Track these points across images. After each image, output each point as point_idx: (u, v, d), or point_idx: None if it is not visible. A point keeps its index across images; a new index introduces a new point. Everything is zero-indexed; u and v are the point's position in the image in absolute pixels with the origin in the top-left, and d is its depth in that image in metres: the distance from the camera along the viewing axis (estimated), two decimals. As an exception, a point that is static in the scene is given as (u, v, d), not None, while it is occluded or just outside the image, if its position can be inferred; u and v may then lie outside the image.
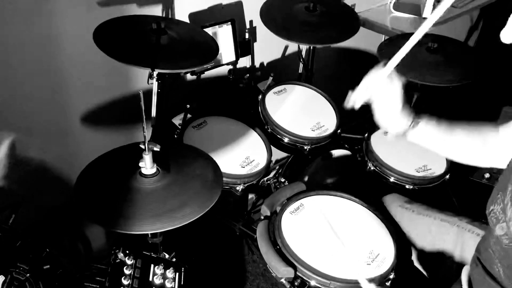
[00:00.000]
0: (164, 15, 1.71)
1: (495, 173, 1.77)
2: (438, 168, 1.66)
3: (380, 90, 1.02)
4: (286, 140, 1.67)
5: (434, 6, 2.31)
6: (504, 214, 0.89)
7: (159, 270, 1.19)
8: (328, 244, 1.28)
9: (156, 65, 1.30)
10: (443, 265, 1.27)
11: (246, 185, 1.53)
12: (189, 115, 1.68)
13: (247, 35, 1.94)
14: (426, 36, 2.03)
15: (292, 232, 1.29)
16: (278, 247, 1.25)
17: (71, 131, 1.67)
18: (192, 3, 1.79)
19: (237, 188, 1.52)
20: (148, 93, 1.40)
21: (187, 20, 1.78)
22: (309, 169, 1.78)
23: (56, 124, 1.61)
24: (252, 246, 2.08)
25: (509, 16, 0.86)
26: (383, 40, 2.23)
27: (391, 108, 1.03)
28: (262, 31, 1.95)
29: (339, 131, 1.75)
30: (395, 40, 1.99)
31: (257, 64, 2.16)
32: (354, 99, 1.03)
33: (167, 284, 1.17)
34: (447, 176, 1.64)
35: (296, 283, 1.22)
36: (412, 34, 0.93)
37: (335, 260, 1.23)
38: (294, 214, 1.36)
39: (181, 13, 1.76)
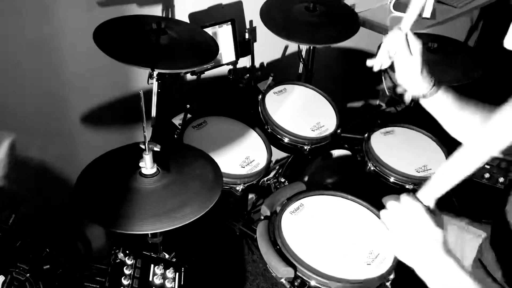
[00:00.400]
0: (164, 15, 1.71)
1: (495, 173, 1.77)
2: (438, 168, 1.65)
3: (400, 51, 1.02)
4: (286, 140, 1.67)
5: (434, 6, 2.31)
6: None
7: (159, 270, 1.19)
8: (328, 244, 1.28)
9: (156, 65, 1.30)
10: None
11: (246, 185, 1.53)
12: (189, 115, 1.68)
13: (247, 35, 1.94)
14: (426, 36, 2.02)
15: (292, 232, 1.29)
16: (278, 247, 1.25)
17: (71, 131, 1.67)
18: (192, 3, 1.79)
19: (237, 188, 1.52)
20: (148, 93, 1.40)
21: (187, 20, 1.78)
22: (309, 169, 1.78)
23: (56, 124, 1.61)
24: (252, 246, 2.08)
25: (511, 22, 0.86)
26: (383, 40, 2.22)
27: (411, 68, 1.02)
28: (262, 31, 1.94)
29: (339, 131, 1.75)
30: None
31: (257, 64, 2.15)
32: (377, 61, 1.05)
33: (167, 284, 1.17)
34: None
35: (296, 283, 1.22)
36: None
37: (335, 260, 1.23)
38: (294, 214, 1.36)
39: (181, 13, 1.76)
